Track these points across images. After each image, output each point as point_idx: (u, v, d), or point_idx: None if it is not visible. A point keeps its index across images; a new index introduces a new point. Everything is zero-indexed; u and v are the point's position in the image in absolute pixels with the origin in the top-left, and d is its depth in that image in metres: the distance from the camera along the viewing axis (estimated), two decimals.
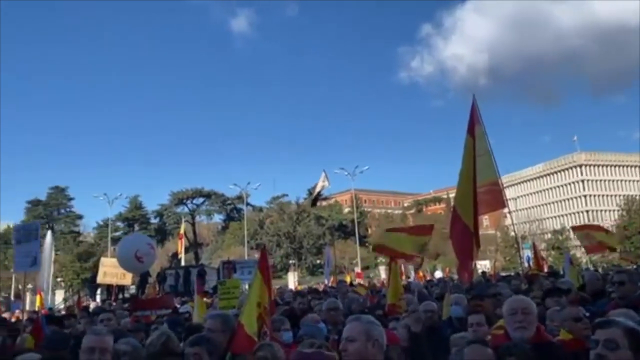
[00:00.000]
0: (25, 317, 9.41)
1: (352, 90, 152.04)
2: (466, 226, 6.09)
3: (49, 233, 35.45)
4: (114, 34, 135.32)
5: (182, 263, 41.74)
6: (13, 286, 42.41)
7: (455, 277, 15.22)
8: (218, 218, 76.42)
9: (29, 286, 42.89)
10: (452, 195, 30.10)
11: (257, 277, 4.07)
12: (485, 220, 64.25)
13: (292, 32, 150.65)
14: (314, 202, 44.89)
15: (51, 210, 68.03)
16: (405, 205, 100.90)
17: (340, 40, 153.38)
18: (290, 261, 60.80)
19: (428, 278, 22.43)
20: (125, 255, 11.02)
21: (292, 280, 44.15)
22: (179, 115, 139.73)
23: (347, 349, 2.78)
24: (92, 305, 19.34)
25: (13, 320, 12.07)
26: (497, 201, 6.87)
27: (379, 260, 50.88)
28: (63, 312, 16.15)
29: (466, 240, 6.11)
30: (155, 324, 6.65)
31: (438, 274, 30.78)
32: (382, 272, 45.37)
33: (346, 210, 72.21)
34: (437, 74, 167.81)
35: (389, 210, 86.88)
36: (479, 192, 6.27)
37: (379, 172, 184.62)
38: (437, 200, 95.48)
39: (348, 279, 23.79)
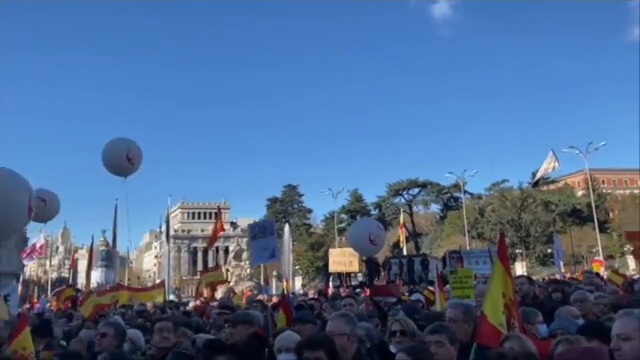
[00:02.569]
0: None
1: (577, 58, 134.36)
2: None
3: (287, 227, 39.92)
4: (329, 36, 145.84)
5: (404, 253, 42.65)
6: (262, 273, 48.84)
7: None
8: (435, 208, 76.01)
9: (274, 273, 49.07)
10: None
11: (498, 267, 3.84)
12: None
13: (493, 9, 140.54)
14: (535, 184, 41.25)
15: (287, 206, 76.46)
16: None
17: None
18: (517, 251, 57.00)
19: None
20: (358, 238, 10.91)
21: (520, 271, 41.42)
22: (390, 107, 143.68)
23: (621, 348, 2.43)
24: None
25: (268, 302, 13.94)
26: None
27: (626, 249, 44.20)
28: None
29: None
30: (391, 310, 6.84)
31: None
32: (631, 263, 39.61)
33: (580, 193, 64.49)
34: None
35: (636, 191, 74.52)
36: None
37: (618, 148, 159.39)
38: None
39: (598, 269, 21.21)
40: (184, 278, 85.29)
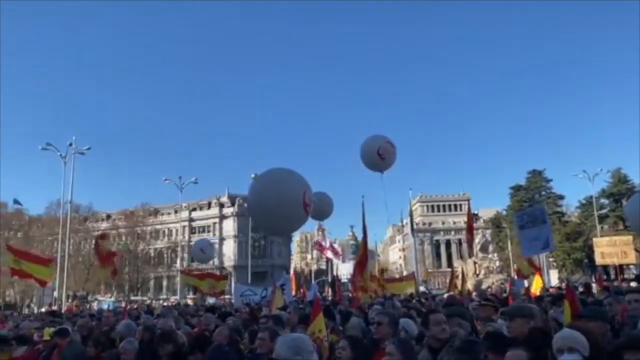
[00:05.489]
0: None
1: None
2: None
3: None
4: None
5: None
6: (511, 266, 46.12)
7: None
8: None
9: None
10: None
11: None
12: None
13: None
14: None
15: (532, 194, 70.61)
16: None
17: None
18: None
19: None
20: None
21: None
22: None
23: None
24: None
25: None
26: None
27: None
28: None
29: None
30: None
31: None
32: None
33: None
34: None
35: None
36: None
37: None
38: None
39: None
40: (429, 270, 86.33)
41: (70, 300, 42.05)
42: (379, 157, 11.34)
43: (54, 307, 27.62)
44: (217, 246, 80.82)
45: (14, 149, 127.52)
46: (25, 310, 43.40)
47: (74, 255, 53.45)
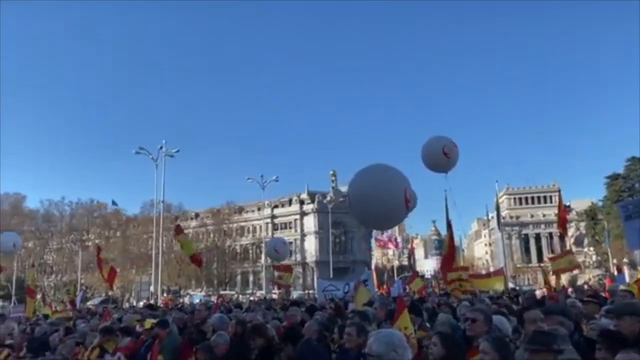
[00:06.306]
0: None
1: None
2: None
3: None
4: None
5: None
6: (611, 261, 43.05)
7: None
8: None
9: (625, 260, 42.68)
10: None
11: None
12: None
13: None
14: None
15: (632, 183, 65.38)
16: None
17: None
18: None
19: None
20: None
21: None
22: None
23: None
24: None
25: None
26: None
27: None
28: None
29: None
30: None
31: None
32: None
33: None
34: None
35: None
36: None
37: None
38: None
39: None
40: (518, 266, 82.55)
41: (164, 294, 44.68)
42: (444, 156, 11.23)
43: (151, 301, 29.45)
44: (298, 242, 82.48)
45: (111, 153, 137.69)
46: (126, 305, 46.67)
47: (166, 252, 56.70)
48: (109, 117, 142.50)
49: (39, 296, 28.17)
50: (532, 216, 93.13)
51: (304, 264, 78.09)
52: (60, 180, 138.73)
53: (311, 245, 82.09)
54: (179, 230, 15.11)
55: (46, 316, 14.69)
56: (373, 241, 78.57)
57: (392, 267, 69.39)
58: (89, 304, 33.12)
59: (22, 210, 75.06)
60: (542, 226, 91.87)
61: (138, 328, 7.99)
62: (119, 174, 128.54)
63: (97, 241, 69.59)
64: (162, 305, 22.27)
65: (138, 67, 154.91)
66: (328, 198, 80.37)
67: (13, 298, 32.16)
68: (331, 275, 49.94)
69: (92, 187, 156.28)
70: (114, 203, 55.47)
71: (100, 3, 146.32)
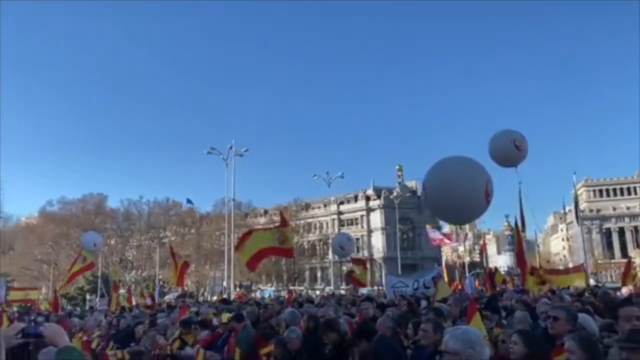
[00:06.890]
0: None
1: None
2: None
3: None
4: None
5: None
6: None
7: None
8: None
9: None
10: None
11: None
12: None
13: None
14: None
15: None
16: None
17: None
18: None
19: None
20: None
21: None
22: None
23: None
24: None
25: None
26: None
27: None
28: None
29: None
30: None
31: None
32: None
33: None
34: None
35: None
36: None
37: None
38: None
39: None
40: (599, 262, 77.86)
41: (237, 289, 46.05)
42: (516, 149, 10.92)
43: (224, 296, 30.44)
44: (365, 239, 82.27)
45: (185, 154, 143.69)
46: (201, 299, 48.53)
47: None
48: (183, 119, 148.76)
49: (122, 290, 29.95)
50: (614, 209, 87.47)
51: (371, 260, 77.82)
52: (139, 181, 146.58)
53: (378, 241, 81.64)
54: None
55: (129, 309, 15.58)
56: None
57: (463, 263, 67.52)
58: (167, 298, 34.82)
59: (105, 209, 79.75)
60: (626, 219, 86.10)
61: (215, 321, 8.29)
62: (192, 174, 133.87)
63: (172, 238, 73.00)
64: (235, 299, 22.96)
65: (209, 70, 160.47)
66: (394, 193, 79.53)
67: (99, 292, 34.47)
68: (399, 272, 49.42)
69: (168, 187, 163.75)
70: (188, 201, 57.68)
71: (171, 3, 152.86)
